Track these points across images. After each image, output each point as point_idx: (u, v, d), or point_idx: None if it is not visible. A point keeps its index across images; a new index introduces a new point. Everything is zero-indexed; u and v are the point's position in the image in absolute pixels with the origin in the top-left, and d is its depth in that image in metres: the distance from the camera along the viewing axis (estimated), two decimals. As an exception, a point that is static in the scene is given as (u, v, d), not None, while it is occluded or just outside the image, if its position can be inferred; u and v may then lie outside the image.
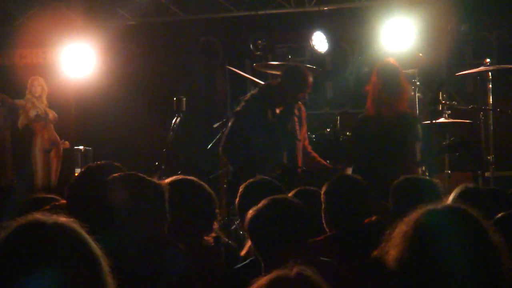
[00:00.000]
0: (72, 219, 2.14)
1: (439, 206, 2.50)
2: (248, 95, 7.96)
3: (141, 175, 3.50)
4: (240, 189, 4.91)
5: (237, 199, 4.87)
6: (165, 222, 3.36)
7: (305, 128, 7.89)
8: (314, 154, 7.89)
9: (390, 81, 7.36)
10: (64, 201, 4.11)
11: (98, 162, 4.08)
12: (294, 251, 3.58)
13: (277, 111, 7.52)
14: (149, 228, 3.25)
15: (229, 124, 7.71)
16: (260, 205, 3.79)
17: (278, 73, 9.30)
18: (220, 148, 7.69)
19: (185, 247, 3.70)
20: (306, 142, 7.92)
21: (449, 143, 8.67)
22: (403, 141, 7.21)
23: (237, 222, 7.52)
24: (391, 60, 7.71)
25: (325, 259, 3.92)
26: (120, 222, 3.22)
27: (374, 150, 7.21)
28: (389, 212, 4.78)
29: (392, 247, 2.45)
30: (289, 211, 3.75)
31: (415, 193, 4.66)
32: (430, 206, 2.48)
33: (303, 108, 7.89)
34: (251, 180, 5.00)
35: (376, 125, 7.29)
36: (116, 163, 3.99)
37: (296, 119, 7.66)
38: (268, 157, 7.34)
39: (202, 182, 4.12)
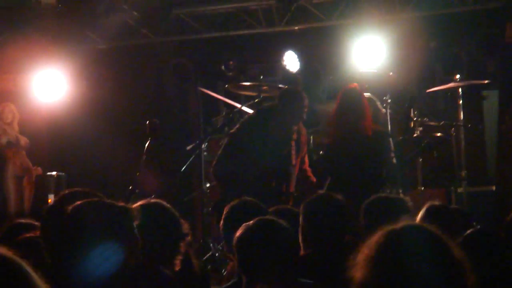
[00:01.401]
0: (9, 251, 2.10)
1: (398, 226, 2.48)
2: (246, 116, 7.89)
3: (106, 200, 3.46)
4: (225, 211, 4.88)
5: (221, 222, 4.84)
6: (136, 248, 3.32)
7: (303, 152, 7.77)
8: (312, 179, 7.77)
9: (351, 108, 7.43)
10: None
11: (73, 190, 3.99)
12: (279, 272, 3.63)
13: (274, 134, 7.40)
14: (121, 255, 3.21)
15: (223, 145, 7.63)
16: (250, 224, 3.80)
17: (251, 93, 9.32)
18: (211, 169, 7.60)
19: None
20: (305, 166, 7.80)
21: (424, 146, 8.71)
22: (376, 162, 7.24)
23: (222, 244, 7.44)
24: (354, 85, 7.76)
25: (305, 280, 3.91)
26: (89, 251, 3.19)
27: (346, 173, 7.22)
28: (361, 230, 4.80)
29: (357, 271, 2.44)
30: (278, 232, 3.76)
31: (385, 211, 4.69)
32: (389, 227, 2.48)
33: (304, 132, 7.78)
34: (235, 202, 4.96)
35: (345, 150, 7.32)
36: (92, 190, 3.93)
37: (293, 143, 7.57)
38: (259, 181, 7.24)
39: (166, 204, 4.10)
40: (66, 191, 3.92)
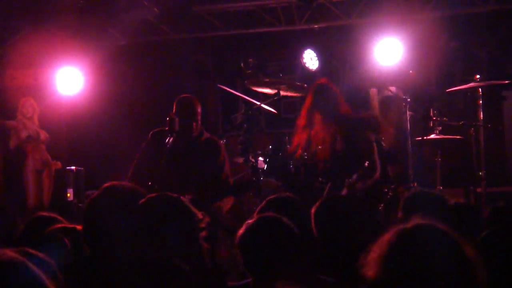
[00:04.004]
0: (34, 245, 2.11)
1: (410, 225, 2.48)
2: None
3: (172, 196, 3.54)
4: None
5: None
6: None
7: (212, 163, 7.55)
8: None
9: (322, 100, 8.08)
10: (65, 223, 4.14)
11: (115, 183, 3.99)
12: (283, 270, 3.62)
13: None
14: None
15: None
16: (251, 222, 3.81)
17: (270, 91, 9.32)
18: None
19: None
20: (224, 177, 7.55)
21: None
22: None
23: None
24: (323, 80, 8.34)
25: (326, 278, 3.92)
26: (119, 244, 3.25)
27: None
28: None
29: (368, 269, 2.44)
30: (279, 230, 3.77)
31: (423, 207, 4.67)
32: (401, 226, 2.48)
33: (217, 145, 7.68)
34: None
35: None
36: (134, 185, 3.96)
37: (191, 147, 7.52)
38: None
39: (184, 199, 4.10)
40: (108, 184, 3.95)
